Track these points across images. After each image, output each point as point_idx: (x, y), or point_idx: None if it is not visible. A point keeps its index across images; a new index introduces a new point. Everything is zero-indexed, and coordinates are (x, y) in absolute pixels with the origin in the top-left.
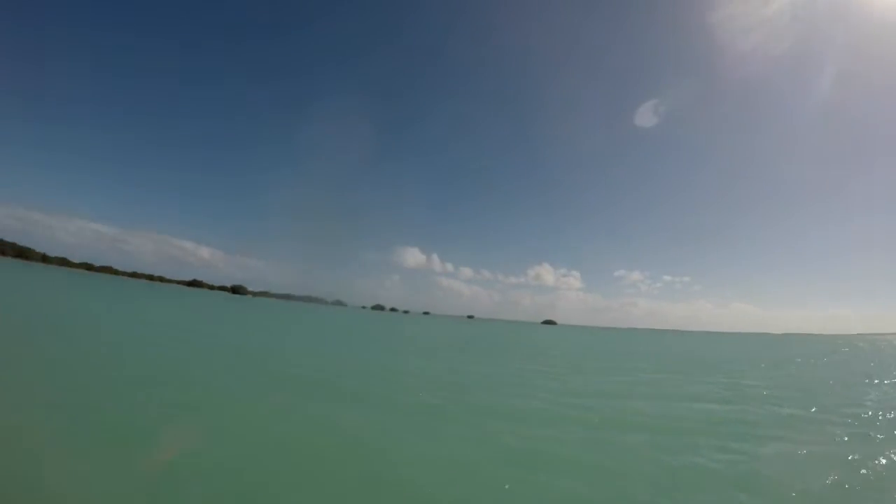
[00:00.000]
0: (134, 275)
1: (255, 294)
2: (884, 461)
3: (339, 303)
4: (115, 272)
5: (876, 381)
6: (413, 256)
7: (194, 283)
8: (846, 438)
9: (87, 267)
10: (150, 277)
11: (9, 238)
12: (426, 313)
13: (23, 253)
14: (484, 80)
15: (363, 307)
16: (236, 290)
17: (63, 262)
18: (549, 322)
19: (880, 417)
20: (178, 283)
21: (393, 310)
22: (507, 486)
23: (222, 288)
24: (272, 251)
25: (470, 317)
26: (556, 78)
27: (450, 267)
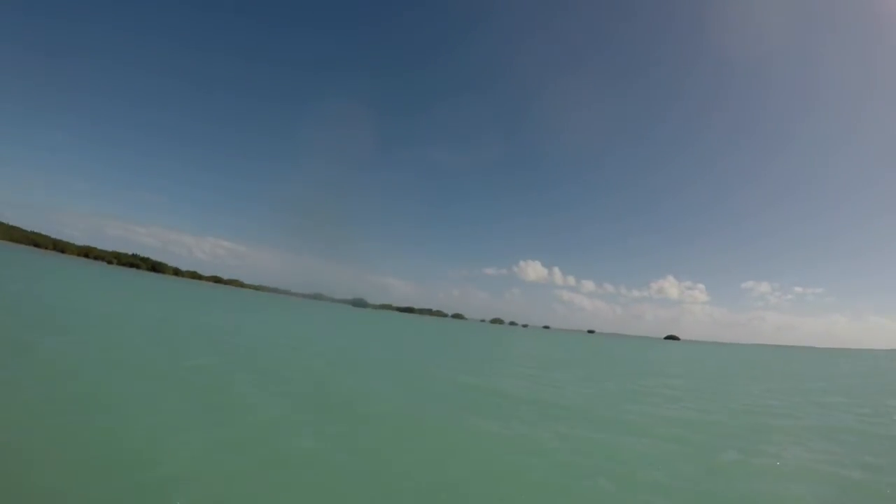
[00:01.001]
0: (259, 287)
1: (375, 307)
2: None
3: (458, 316)
4: (243, 285)
5: None
6: (534, 270)
7: (317, 297)
8: None
9: (216, 280)
10: (276, 290)
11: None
12: (546, 327)
13: (156, 267)
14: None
15: (482, 320)
16: (357, 303)
17: (194, 275)
18: (671, 337)
19: None
20: (302, 295)
21: (512, 324)
22: None
23: (344, 301)
24: (391, 265)
25: (591, 331)
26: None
27: (571, 280)
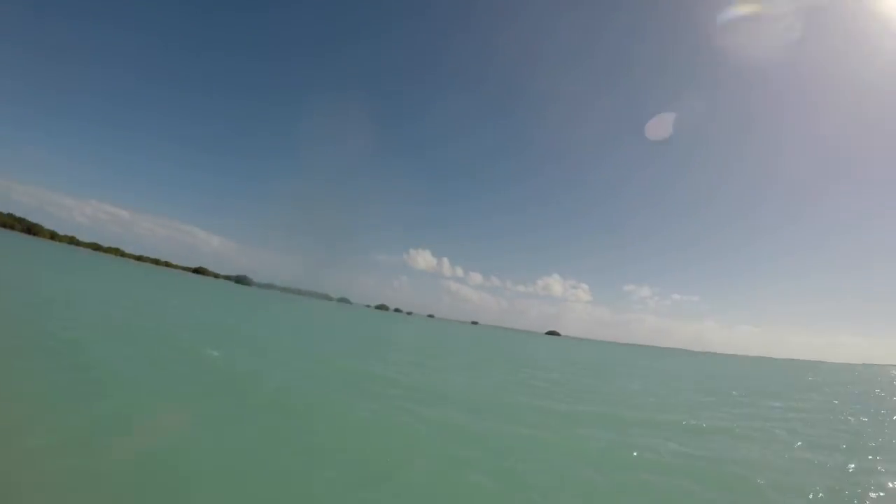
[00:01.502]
0: (140, 258)
1: (260, 286)
2: None
3: (344, 300)
4: (123, 254)
5: None
6: (424, 259)
7: (199, 271)
8: None
9: (95, 247)
10: (157, 262)
11: (23, 215)
12: (430, 316)
13: (31, 229)
14: (484, 82)
15: (368, 306)
16: (241, 280)
17: (72, 240)
18: (552, 333)
19: None
20: (184, 269)
21: (397, 310)
22: None
23: (227, 277)
24: (282, 245)
25: (474, 322)
26: (568, 86)
27: (459, 271)
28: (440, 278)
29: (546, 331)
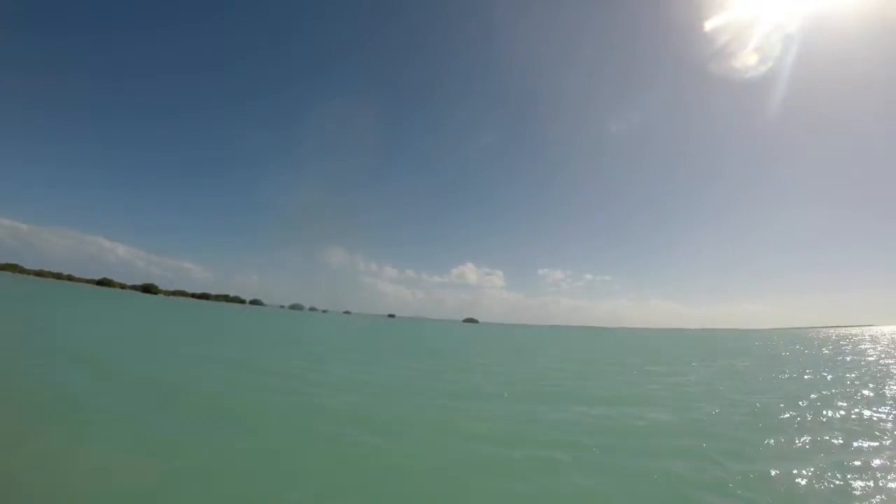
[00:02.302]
0: (40, 273)
1: (168, 293)
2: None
3: (256, 302)
4: (22, 270)
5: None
6: (337, 256)
7: (104, 283)
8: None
9: None
10: (59, 276)
11: None
12: (347, 312)
13: None
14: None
15: (281, 306)
16: (147, 288)
17: None
18: (470, 320)
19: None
20: (88, 281)
21: (312, 309)
22: None
23: (133, 287)
24: (192, 251)
25: (391, 315)
26: (479, 73)
27: (373, 266)
28: (355, 274)
29: (464, 318)
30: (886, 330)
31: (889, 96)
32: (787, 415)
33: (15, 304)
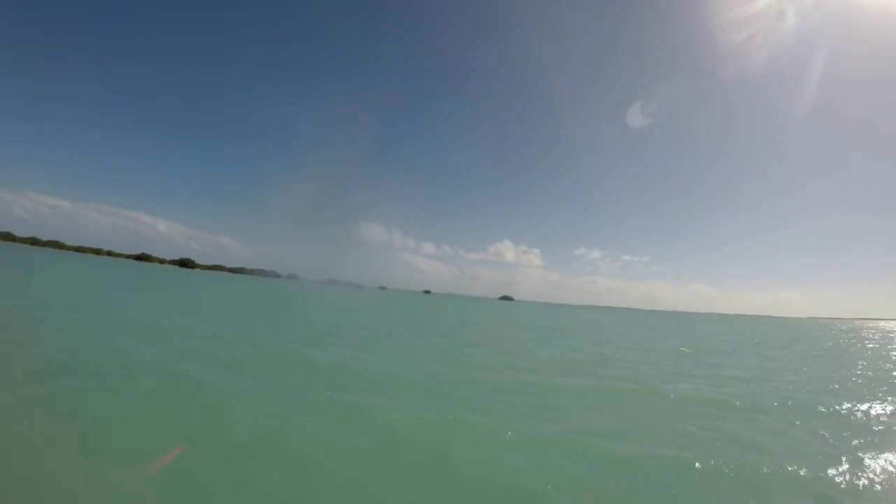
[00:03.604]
0: (80, 249)
1: (205, 268)
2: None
3: (293, 276)
4: (63, 246)
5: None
6: (375, 231)
7: (142, 257)
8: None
9: (33, 241)
10: (98, 251)
11: None
12: (382, 288)
13: None
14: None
15: (317, 281)
16: (185, 263)
17: (7, 236)
18: (506, 298)
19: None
20: (127, 256)
21: (348, 284)
22: None
23: (172, 262)
24: (233, 226)
25: (427, 292)
26: (531, 68)
27: (411, 242)
28: (392, 249)
29: (500, 296)
30: None
31: None
32: None
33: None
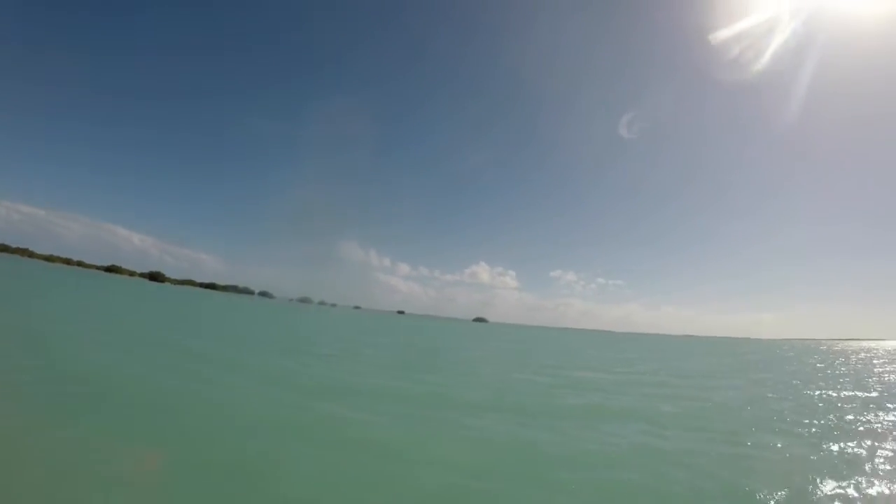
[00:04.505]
0: (50, 258)
1: (175, 282)
2: None
3: (265, 294)
4: (32, 254)
5: None
6: (351, 251)
7: (112, 269)
8: None
9: (2, 248)
10: (69, 261)
11: None
12: (357, 308)
13: None
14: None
15: (290, 299)
16: (154, 276)
17: None
18: (480, 319)
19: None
20: (97, 267)
21: (321, 303)
22: None
23: (142, 275)
24: (207, 242)
25: (400, 312)
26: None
27: (387, 262)
28: (368, 270)
29: (474, 317)
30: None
31: None
32: None
33: None
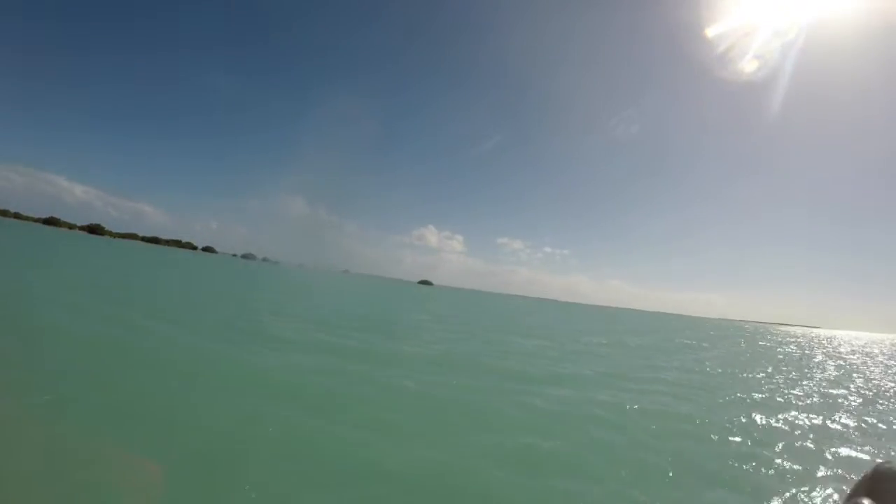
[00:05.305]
0: None
1: (115, 236)
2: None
3: (209, 249)
4: None
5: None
6: (298, 207)
7: (50, 221)
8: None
9: None
10: (5, 213)
11: None
12: (301, 265)
13: None
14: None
15: (234, 255)
16: (94, 229)
17: None
18: (425, 282)
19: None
20: (35, 220)
21: (265, 260)
22: None
23: (81, 227)
24: (154, 193)
25: (345, 271)
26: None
27: (335, 220)
28: (316, 227)
29: (419, 280)
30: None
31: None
32: None
33: None
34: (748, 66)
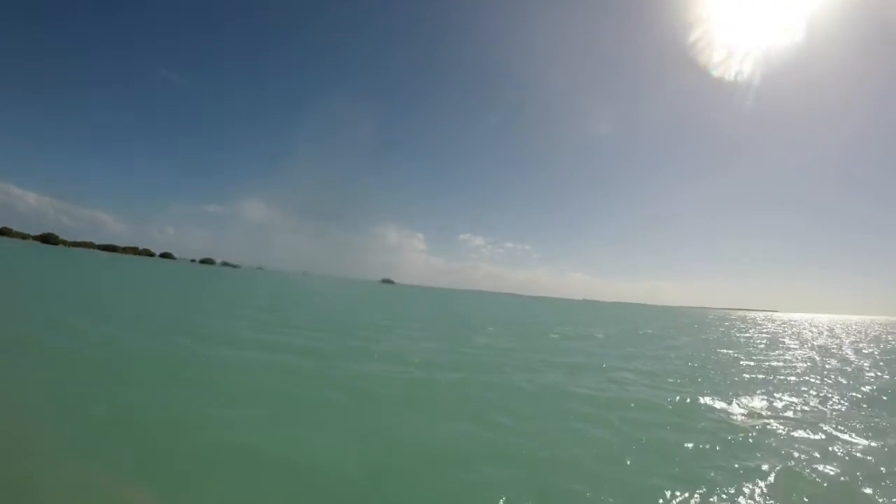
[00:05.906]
0: None
1: (70, 244)
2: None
3: (167, 255)
4: None
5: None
6: (255, 210)
7: (2, 232)
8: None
9: None
10: None
11: None
12: (260, 268)
13: None
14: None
15: (193, 260)
16: (47, 238)
17: None
18: (387, 281)
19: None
20: None
21: (225, 264)
22: None
23: (35, 237)
24: (107, 201)
25: (305, 273)
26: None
27: (293, 221)
28: (273, 229)
29: (381, 279)
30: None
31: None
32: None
33: None
34: (719, 66)
